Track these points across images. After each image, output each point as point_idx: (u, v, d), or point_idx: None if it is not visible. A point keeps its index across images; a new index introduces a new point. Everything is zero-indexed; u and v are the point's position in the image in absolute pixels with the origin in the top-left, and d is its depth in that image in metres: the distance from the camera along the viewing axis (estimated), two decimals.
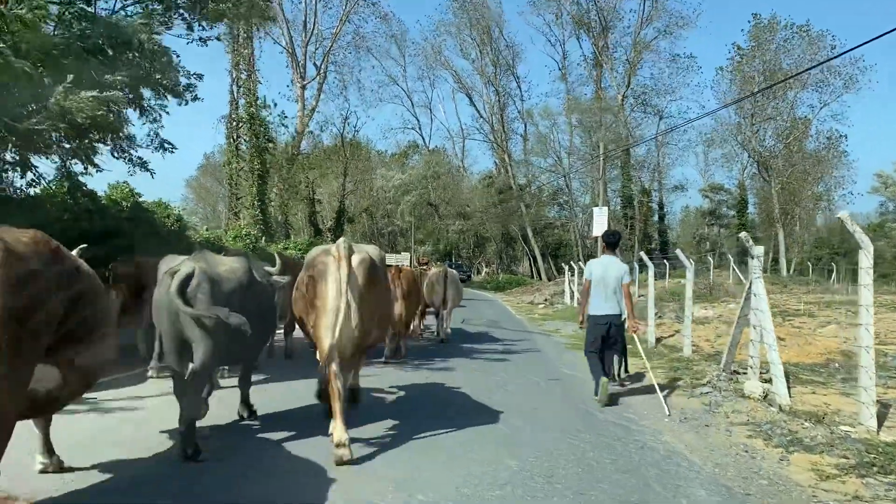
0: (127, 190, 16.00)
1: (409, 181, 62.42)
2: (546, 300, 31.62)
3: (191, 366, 5.02)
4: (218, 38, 17.08)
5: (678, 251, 13.80)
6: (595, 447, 5.91)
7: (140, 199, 16.42)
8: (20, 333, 3.17)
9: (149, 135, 14.20)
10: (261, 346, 6.78)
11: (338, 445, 5.17)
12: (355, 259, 5.63)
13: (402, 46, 61.57)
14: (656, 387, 8.05)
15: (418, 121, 69.97)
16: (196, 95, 14.47)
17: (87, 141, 11.63)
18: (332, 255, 5.55)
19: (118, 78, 10.20)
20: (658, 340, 13.78)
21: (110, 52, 10.65)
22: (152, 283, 5.64)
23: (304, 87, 43.60)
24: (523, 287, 44.59)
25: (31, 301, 3.24)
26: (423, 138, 68.36)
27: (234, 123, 31.22)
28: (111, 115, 11.05)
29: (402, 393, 8.42)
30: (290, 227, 40.75)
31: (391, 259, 52.12)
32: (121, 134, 12.51)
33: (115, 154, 13.01)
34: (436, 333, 14.50)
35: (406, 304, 10.96)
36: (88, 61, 9.95)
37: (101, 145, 12.49)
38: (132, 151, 13.25)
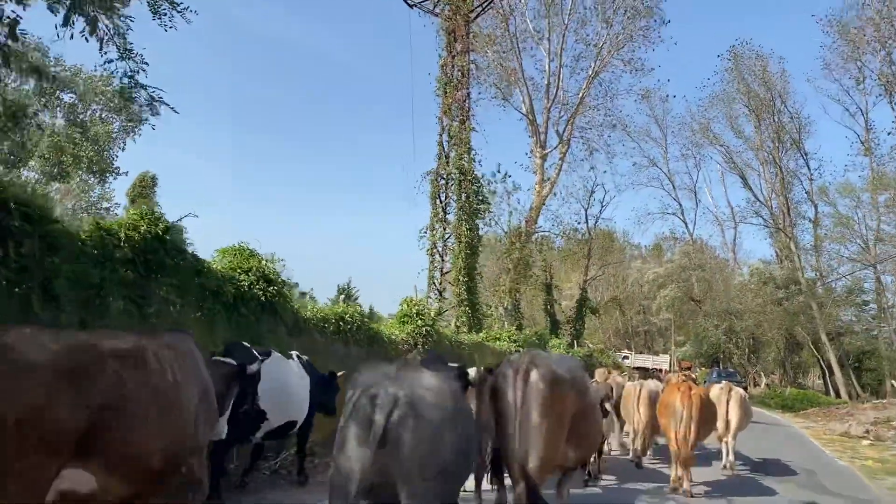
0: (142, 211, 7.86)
1: (666, 273, 54.55)
2: (867, 432, 21.94)
3: None
4: None
5: None
6: None
7: (173, 223, 8.05)
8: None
9: None
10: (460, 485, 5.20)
11: None
12: (534, 374, 5.45)
13: (662, 124, 55.37)
14: None
15: (680, 205, 60.01)
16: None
17: None
18: (512, 367, 5.52)
19: None
20: None
21: None
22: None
23: (543, 158, 38.16)
24: (820, 407, 33.85)
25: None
26: (686, 224, 59.58)
27: (442, 181, 24.88)
28: None
29: None
30: (521, 315, 34.64)
31: (648, 361, 44.45)
32: None
33: None
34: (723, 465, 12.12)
35: (697, 429, 9.40)
36: None
37: None
38: None
